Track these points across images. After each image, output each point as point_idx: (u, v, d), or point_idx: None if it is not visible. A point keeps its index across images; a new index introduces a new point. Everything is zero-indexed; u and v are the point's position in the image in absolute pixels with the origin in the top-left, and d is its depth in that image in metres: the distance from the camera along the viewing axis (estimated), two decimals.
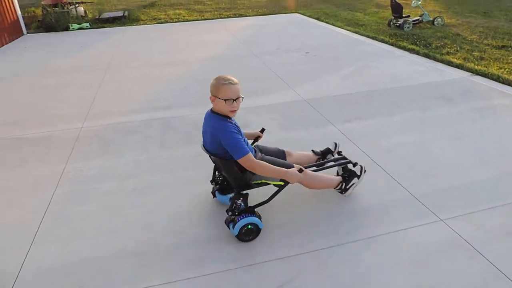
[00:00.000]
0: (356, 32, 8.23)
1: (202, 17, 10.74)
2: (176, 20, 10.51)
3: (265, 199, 2.46)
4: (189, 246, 2.37)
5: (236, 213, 2.36)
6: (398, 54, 6.53)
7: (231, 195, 2.59)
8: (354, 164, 2.77)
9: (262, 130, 2.89)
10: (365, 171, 2.76)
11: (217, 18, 10.62)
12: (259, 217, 2.39)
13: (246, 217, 2.33)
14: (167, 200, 2.82)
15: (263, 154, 2.63)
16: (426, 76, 5.34)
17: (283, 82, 5.31)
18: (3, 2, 8.37)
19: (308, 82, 5.27)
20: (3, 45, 8.06)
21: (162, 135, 3.86)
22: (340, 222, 2.55)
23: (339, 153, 2.92)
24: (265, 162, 2.33)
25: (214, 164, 2.66)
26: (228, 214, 2.41)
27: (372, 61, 6.10)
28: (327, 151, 3.02)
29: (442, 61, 5.97)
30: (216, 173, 2.75)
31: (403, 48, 6.82)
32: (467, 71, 5.51)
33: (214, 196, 2.75)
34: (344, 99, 4.62)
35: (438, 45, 6.87)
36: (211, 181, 2.76)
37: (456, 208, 2.64)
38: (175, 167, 3.28)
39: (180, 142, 3.72)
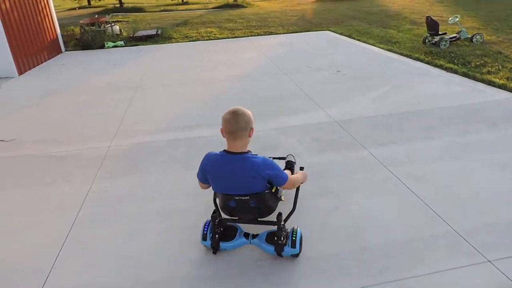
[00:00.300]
0: (389, 50, 8.01)
1: (233, 35, 10.83)
2: (207, 38, 10.65)
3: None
4: (210, 279, 2.24)
5: (282, 236, 2.27)
6: (434, 73, 6.25)
7: (239, 237, 2.38)
8: None
9: None
10: None
11: (248, 36, 10.68)
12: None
13: (293, 230, 2.33)
14: (189, 227, 2.71)
15: None
16: (465, 97, 5.05)
17: (313, 101, 5.16)
18: (44, 21, 8.76)
19: (339, 102, 5.10)
20: (42, 62, 8.40)
21: (187, 156, 3.79)
22: (372, 259, 2.34)
23: None
24: (296, 176, 2.54)
25: (213, 215, 2.37)
26: (279, 242, 2.27)
27: (406, 81, 5.86)
28: None
29: (483, 81, 5.64)
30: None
31: (440, 66, 6.53)
32: (511, 91, 5.17)
33: (217, 249, 2.37)
34: (377, 121, 4.41)
35: (478, 63, 6.53)
36: (210, 237, 2.35)
37: (506, 247, 2.37)
38: (198, 191, 3.17)
39: None
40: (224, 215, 2.42)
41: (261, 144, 3.97)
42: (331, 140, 3.99)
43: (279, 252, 2.27)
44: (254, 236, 2.37)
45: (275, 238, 2.27)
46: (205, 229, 2.34)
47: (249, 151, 2.26)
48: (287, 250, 2.27)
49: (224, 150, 2.24)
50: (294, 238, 2.27)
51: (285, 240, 2.27)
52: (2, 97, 6.14)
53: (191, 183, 3.27)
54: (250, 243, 2.36)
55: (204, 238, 2.33)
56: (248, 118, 2.20)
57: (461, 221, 2.63)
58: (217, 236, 2.33)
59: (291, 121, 4.53)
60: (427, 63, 6.85)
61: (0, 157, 3.94)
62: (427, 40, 8.20)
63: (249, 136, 2.22)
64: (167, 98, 5.67)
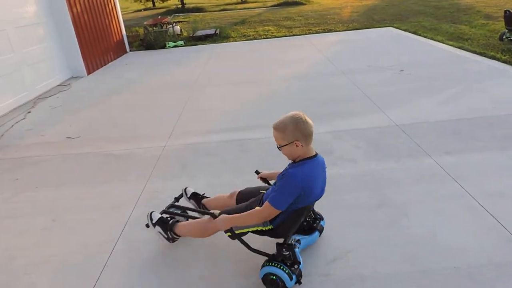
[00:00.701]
0: (460, 48, 7.37)
1: (290, 33, 10.68)
2: (264, 36, 10.60)
3: None
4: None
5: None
6: None
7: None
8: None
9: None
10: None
11: (306, 34, 10.46)
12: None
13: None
14: None
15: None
16: None
17: (373, 103, 4.87)
18: (111, 23, 9.26)
19: (401, 104, 4.75)
20: (109, 62, 8.89)
21: (237, 159, 3.73)
22: (434, 284, 2.10)
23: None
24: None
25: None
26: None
27: (479, 82, 5.32)
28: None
29: None
30: None
31: None
32: None
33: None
34: (444, 126, 4.03)
35: None
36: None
37: None
38: None
39: (253, 167, 3.55)
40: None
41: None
42: (391, 145, 3.71)
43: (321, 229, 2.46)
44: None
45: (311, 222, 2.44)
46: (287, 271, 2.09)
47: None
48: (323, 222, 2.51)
49: (308, 158, 2.09)
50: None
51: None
52: (71, 95, 6.56)
53: (240, 187, 3.22)
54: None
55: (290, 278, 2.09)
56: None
57: None
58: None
59: (347, 124, 4.30)
60: (505, 62, 6.18)
61: (65, 154, 4.18)
62: (504, 37, 7.41)
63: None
64: (221, 98, 5.68)
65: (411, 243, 2.42)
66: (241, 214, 2.10)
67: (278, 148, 2.09)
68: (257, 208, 2.07)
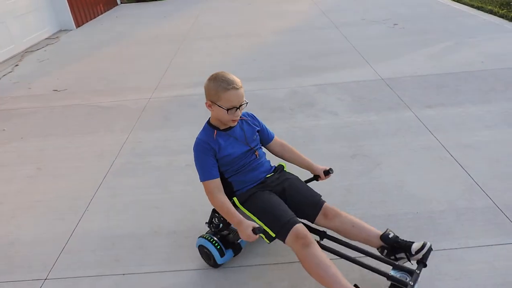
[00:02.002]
0: (457, 1, 7.15)
1: None
2: None
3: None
4: None
5: (212, 230, 2.01)
6: (508, 28, 5.50)
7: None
8: None
9: (328, 172, 2.04)
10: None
11: None
12: (221, 249, 1.92)
13: (206, 239, 1.95)
14: None
15: (267, 190, 1.89)
16: None
17: (362, 57, 4.82)
18: None
19: (391, 58, 4.71)
20: (98, 15, 8.66)
21: None
22: (397, 227, 2.19)
23: (420, 262, 1.72)
24: (223, 199, 1.79)
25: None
26: (205, 224, 2.04)
27: (471, 37, 5.22)
28: (404, 246, 1.75)
29: None
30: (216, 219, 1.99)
31: None
32: None
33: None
34: (429, 80, 4.02)
35: None
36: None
37: None
38: None
39: None
40: None
41: (297, 101, 3.84)
42: (374, 99, 3.73)
43: None
44: None
45: None
46: None
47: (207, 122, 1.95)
48: None
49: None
50: None
51: None
52: (60, 48, 6.47)
53: None
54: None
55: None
56: (208, 89, 1.80)
57: (506, 196, 2.36)
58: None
59: (334, 77, 4.29)
60: (501, 16, 6.03)
61: (52, 106, 4.21)
62: None
63: (207, 107, 1.84)
64: (210, 52, 5.61)
65: (380, 191, 2.50)
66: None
67: (244, 105, 1.82)
68: None
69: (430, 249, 1.73)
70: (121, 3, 9.89)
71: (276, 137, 2.12)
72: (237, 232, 1.76)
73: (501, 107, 3.37)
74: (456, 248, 2.04)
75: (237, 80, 1.78)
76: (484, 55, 4.53)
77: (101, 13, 8.79)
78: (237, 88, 1.75)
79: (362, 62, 4.67)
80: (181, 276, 2.01)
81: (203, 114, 3.71)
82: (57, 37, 7.08)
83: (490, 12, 6.26)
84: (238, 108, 1.78)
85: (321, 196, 1.96)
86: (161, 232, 2.31)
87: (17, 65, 5.66)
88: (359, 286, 1.61)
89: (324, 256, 1.66)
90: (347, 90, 3.95)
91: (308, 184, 2.06)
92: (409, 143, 2.98)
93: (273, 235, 1.75)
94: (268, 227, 1.76)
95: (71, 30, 7.54)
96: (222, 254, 1.93)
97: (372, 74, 4.28)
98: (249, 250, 2.10)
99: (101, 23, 8.06)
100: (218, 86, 1.74)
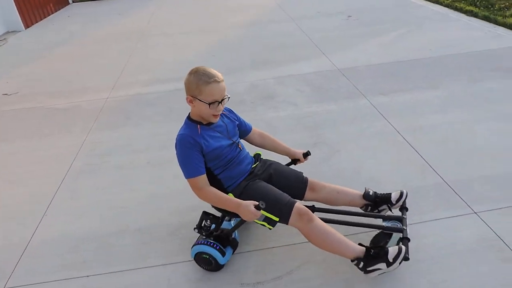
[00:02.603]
0: None
1: None
2: None
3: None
4: (192, 229, 2.28)
5: (203, 234, 1.91)
6: (453, 17, 5.82)
7: None
8: (401, 241, 1.80)
9: (306, 154, 2.14)
10: (405, 259, 1.70)
11: None
12: (221, 249, 1.88)
13: (203, 244, 1.88)
14: (178, 175, 2.72)
15: (257, 180, 1.91)
16: (482, 43, 4.70)
17: (318, 49, 4.94)
18: None
19: (345, 49, 4.86)
20: (49, 15, 8.30)
21: (183, 108, 3.74)
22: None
23: (402, 208, 1.99)
24: (213, 189, 1.77)
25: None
26: (194, 230, 1.92)
27: (420, 26, 5.49)
28: (384, 199, 2.00)
29: (505, 25, 5.22)
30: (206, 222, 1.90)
31: (460, 10, 6.06)
32: None
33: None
34: (382, 69, 4.20)
35: (503, 5, 6.01)
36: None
37: (494, 200, 2.29)
38: None
39: None
40: None
41: (257, 94, 3.89)
42: (331, 89, 3.85)
43: None
44: None
45: None
46: None
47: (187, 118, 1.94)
48: None
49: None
50: None
51: None
52: (8, 51, 6.16)
53: None
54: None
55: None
56: (188, 83, 1.78)
57: (454, 173, 2.52)
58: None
59: (292, 69, 4.38)
60: (447, 6, 6.37)
61: (3, 110, 4.02)
62: None
63: (188, 102, 1.83)
64: (168, 48, 5.55)
65: (339, 176, 2.61)
66: None
67: (226, 99, 1.81)
68: None
69: (406, 195, 2.02)
70: (73, 2, 9.53)
71: (254, 128, 2.16)
72: (230, 228, 1.85)
73: (448, 91, 3.58)
74: (410, 224, 2.15)
75: (218, 74, 1.76)
76: (431, 43, 4.78)
77: (52, 13, 8.42)
78: (219, 82, 1.73)
79: (318, 53, 4.80)
80: (149, 273, 2.01)
81: (165, 112, 3.71)
82: (4, 39, 6.72)
83: (437, 2, 6.60)
84: (220, 102, 1.76)
85: (302, 173, 2.06)
86: (125, 231, 2.29)
87: None
88: (363, 244, 1.79)
89: (327, 225, 1.78)
90: (305, 81, 4.05)
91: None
92: (365, 130, 3.11)
93: (276, 219, 1.76)
94: (269, 213, 1.76)
95: (20, 31, 7.18)
96: (223, 254, 1.89)
97: (328, 65, 4.41)
98: None
99: (52, 23, 7.73)
100: (199, 80, 1.72)
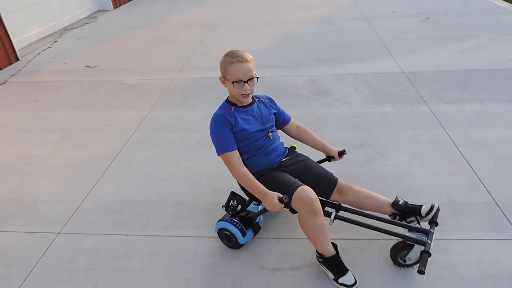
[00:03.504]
0: None
1: None
2: None
3: None
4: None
5: (230, 213, 2.03)
6: None
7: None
8: (421, 254, 1.73)
9: (341, 153, 2.14)
10: (420, 272, 1.63)
11: None
12: (242, 229, 1.97)
13: (227, 221, 2.00)
14: (221, 161, 2.85)
15: (280, 171, 1.94)
16: None
17: (386, 50, 4.77)
18: None
19: (416, 52, 4.63)
20: None
21: None
22: None
23: (432, 222, 1.86)
24: (245, 171, 1.83)
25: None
26: (222, 207, 2.05)
27: (506, 34, 5.02)
28: (414, 210, 1.93)
29: None
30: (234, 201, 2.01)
31: None
32: None
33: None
34: (452, 76, 3.94)
35: None
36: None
37: None
38: None
39: None
40: None
41: (314, 89, 3.89)
42: (391, 91, 3.71)
43: None
44: None
45: None
46: None
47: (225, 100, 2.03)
48: None
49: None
50: None
51: None
52: (96, 28, 6.78)
53: None
54: None
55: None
56: (220, 65, 1.90)
57: (507, 194, 2.33)
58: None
59: (354, 68, 4.29)
60: None
61: (83, 81, 4.47)
62: None
63: (221, 83, 1.94)
64: (237, 37, 5.72)
65: (379, 180, 2.54)
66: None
67: (254, 79, 1.86)
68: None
69: (438, 209, 1.91)
70: None
71: (292, 120, 2.19)
72: (255, 212, 1.92)
73: None
74: (446, 239, 2.06)
75: (245, 55, 1.84)
76: None
77: None
78: (242, 62, 1.81)
79: (385, 54, 4.63)
80: (179, 242, 2.16)
81: (221, 96, 3.85)
82: (95, 17, 7.41)
83: None
84: (246, 82, 1.83)
85: (333, 174, 2.03)
86: (165, 202, 2.48)
87: (56, 42, 6.01)
88: (337, 246, 1.87)
89: (324, 224, 1.80)
90: (365, 81, 3.95)
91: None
92: (419, 137, 2.97)
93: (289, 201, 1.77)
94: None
95: (109, 10, 7.85)
96: (244, 234, 1.98)
97: (394, 67, 4.24)
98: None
99: (137, 6, 8.33)
100: (226, 60, 1.84)
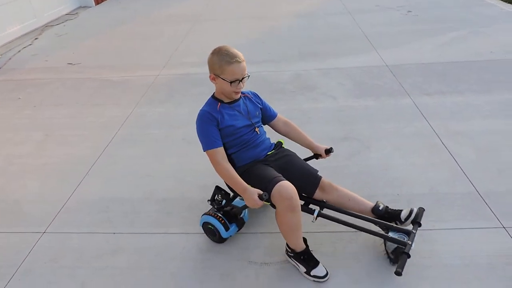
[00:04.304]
0: None
1: None
2: None
3: None
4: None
5: (215, 207, 2.05)
6: None
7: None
8: (400, 255, 1.76)
9: (328, 151, 2.12)
10: (396, 273, 1.66)
11: None
12: (225, 224, 1.99)
13: (211, 215, 2.01)
14: (206, 157, 2.85)
15: (266, 165, 1.95)
16: None
17: (370, 44, 4.81)
18: None
19: (398, 45, 4.69)
20: None
21: None
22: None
23: (415, 223, 1.89)
24: (228, 167, 1.84)
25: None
26: (208, 201, 2.08)
27: (485, 26, 5.12)
28: (393, 216, 1.94)
29: None
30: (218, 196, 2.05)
31: None
32: None
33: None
34: (433, 68, 4.00)
35: None
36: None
37: None
38: None
39: None
40: None
41: (299, 83, 3.91)
42: (375, 85, 3.76)
43: None
44: None
45: None
46: None
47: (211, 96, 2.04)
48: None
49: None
50: None
51: None
52: (78, 24, 6.67)
53: None
54: None
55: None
56: (212, 62, 1.89)
57: (488, 184, 2.39)
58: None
59: (338, 62, 4.32)
60: None
61: (66, 78, 4.40)
62: None
63: (211, 80, 1.93)
64: (222, 32, 5.70)
65: (365, 173, 2.58)
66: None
67: (246, 77, 1.90)
68: None
69: (422, 210, 1.95)
70: None
71: (279, 115, 2.19)
72: (240, 207, 1.92)
73: (502, 98, 3.35)
74: (429, 229, 2.10)
75: (239, 54, 1.86)
76: (494, 45, 4.46)
77: None
78: (240, 62, 1.83)
79: (369, 48, 4.67)
80: (166, 238, 2.16)
81: (206, 92, 3.84)
82: (76, 13, 7.28)
83: (510, 1, 6.08)
84: (241, 80, 1.86)
85: (318, 171, 2.03)
86: (152, 199, 2.47)
87: (36, 39, 5.89)
88: (309, 245, 1.88)
89: (300, 221, 1.81)
90: (349, 75, 3.98)
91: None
92: (402, 129, 3.02)
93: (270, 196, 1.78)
94: (263, 189, 1.77)
95: (91, 7, 7.72)
96: (227, 228, 2.00)
97: (377, 61, 4.29)
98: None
99: (119, 2, 8.20)
100: (221, 59, 1.83)
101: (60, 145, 3.12)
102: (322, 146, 2.15)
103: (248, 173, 1.90)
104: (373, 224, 1.96)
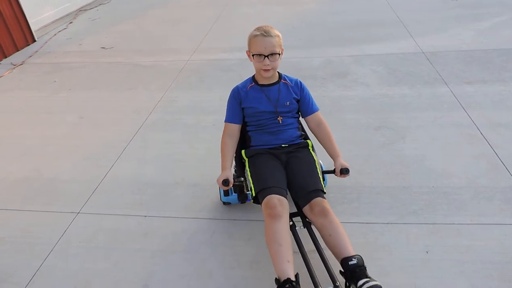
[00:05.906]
0: None
1: None
2: None
3: None
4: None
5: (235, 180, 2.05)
6: None
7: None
8: None
9: (344, 171, 1.85)
10: None
11: None
12: (227, 191, 2.15)
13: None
14: None
15: (272, 156, 1.93)
16: None
17: (405, 29, 4.62)
18: None
19: (436, 32, 4.48)
20: None
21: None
22: (409, 199, 2.21)
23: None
24: (228, 143, 1.95)
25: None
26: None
27: None
28: (355, 278, 1.50)
29: None
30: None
31: None
32: None
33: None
34: (474, 56, 3.81)
35: None
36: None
37: None
38: None
39: None
40: None
41: (329, 70, 3.82)
42: (410, 72, 3.61)
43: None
44: None
45: None
46: None
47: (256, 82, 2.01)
48: None
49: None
50: None
51: None
52: (111, 9, 6.74)
53: None
54: None
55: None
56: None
57: None
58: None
59: (371, 49, 4.18)
60: None
61: (99, 62, 4.48)
62: None
63: (247, 56, 1.94)
64: (252, 17, 5.62)
65: (399, 163, 2.50)
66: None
67: (275, 54, 1.82)
68: None
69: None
70: None
71: (317, 113, 2.01)
72: (244, 182, 2.00)
73: None
74: (467, 224, 2.03)
75: (271, 30, 1.83)
76: None
77: None
78: (265, 36, 1.80)
79: (404, 34, 4.49)
80: (196, 223, 2.18)
81: (236, 78, 3.82)
82: None
83: None
84: (267, 56, 1.81)
85: (319, 189, 1.79)
86: (182, 184, 2.49)
87: (71, 23, 6.01)
88: (299, 277, 1.55)
89: (284, 234, 1.62)
90: (383, 62, 3.85)
91: (326, 174, 2.02)
92: (439, 119, 2.90)
93: (254, 194, 1.83)
94: (254, 186, 1.84)
95: None
96: (226, 194, 2.16)
97: (412, 47, 4.12)
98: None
99: None
100: (251, 34, 1.87)
101: (94, 128, 3.19)
102: (343, 163, 1.87)
103: (253, 162, 1.93)
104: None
